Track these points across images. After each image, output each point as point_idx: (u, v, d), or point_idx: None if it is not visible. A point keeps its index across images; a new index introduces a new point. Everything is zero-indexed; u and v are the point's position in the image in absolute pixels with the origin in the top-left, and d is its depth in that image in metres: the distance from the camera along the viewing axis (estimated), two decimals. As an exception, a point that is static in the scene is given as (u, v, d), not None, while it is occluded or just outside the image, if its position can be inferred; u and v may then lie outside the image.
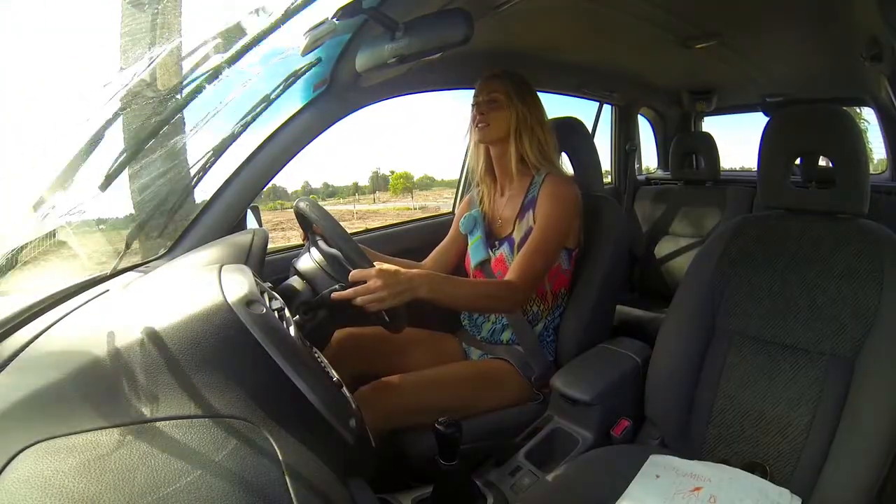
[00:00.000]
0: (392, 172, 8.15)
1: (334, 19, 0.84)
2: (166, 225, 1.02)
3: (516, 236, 1.17)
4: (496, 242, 1.22)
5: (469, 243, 1.26)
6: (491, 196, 1.27)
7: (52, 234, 0.67)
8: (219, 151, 1.03)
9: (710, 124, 2.67)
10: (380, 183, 8.21)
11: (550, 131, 1.20)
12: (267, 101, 1.03)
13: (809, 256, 0.91)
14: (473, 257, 1.23)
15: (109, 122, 0.64)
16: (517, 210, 1.19)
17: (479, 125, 1.17)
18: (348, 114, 1.25)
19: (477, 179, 1.28)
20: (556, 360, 1.20)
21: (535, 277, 1.08)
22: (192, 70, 0.69)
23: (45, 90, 0.72)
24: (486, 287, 1.09)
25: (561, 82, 1.92)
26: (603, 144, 2.52)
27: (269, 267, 0.95)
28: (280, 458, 0.46)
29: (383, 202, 7.93)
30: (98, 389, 0.47)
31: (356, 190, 8.22)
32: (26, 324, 0.58)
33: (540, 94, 1.21)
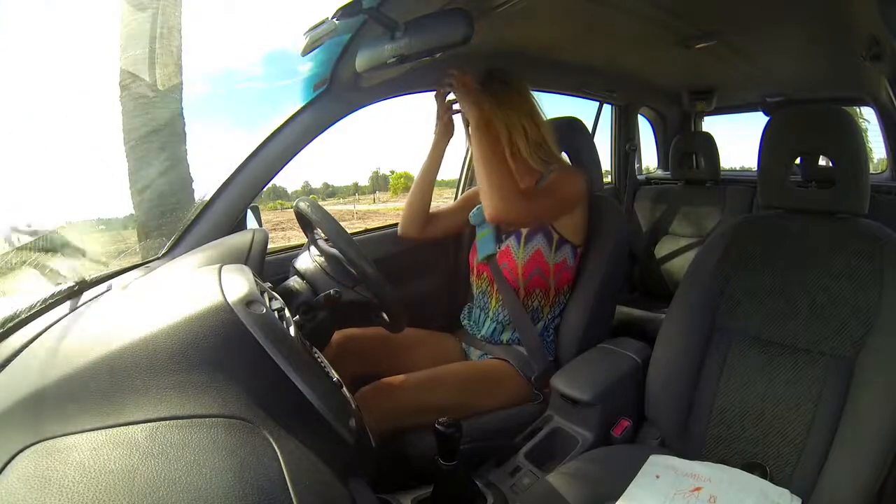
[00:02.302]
0: (392, 172, 8.16)
1: (334, 19, 0.84)
2: (166, 225, 1.02)
3: (524, 229, 1.18)
4: (503, 235, 1.22)
5: (477, 236, 1.26)
6: None
7: (52, 234, 0.68)
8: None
9: (710, 124, 2.67)
10: (380, 183, 8.21)
11: (544, 124, 1.19)
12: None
13: (809, 256, 0.91)
14: (480, 251, 1.23)
15: (109, 122, 0.64)
16: None
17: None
18: (348, 114, 1.25)
19: None
20: (556, 359, 1.19)
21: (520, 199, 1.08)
22: (191, 69, 0.69)
23: (44, 89, 0.72)
24: (504, 178, 1.06)
25: (561, 82, 1.92)
26: (603, 144, 2.52)
27: (269, 267, 0.95)
28: (280, 458, 0.46)
29: (383, 202, 7.93)
30: (98, 389, 0.47)
31: (356, 190, 8.23)
32: (26, 324, 0.58)
33: (540, 95, 1.21)
